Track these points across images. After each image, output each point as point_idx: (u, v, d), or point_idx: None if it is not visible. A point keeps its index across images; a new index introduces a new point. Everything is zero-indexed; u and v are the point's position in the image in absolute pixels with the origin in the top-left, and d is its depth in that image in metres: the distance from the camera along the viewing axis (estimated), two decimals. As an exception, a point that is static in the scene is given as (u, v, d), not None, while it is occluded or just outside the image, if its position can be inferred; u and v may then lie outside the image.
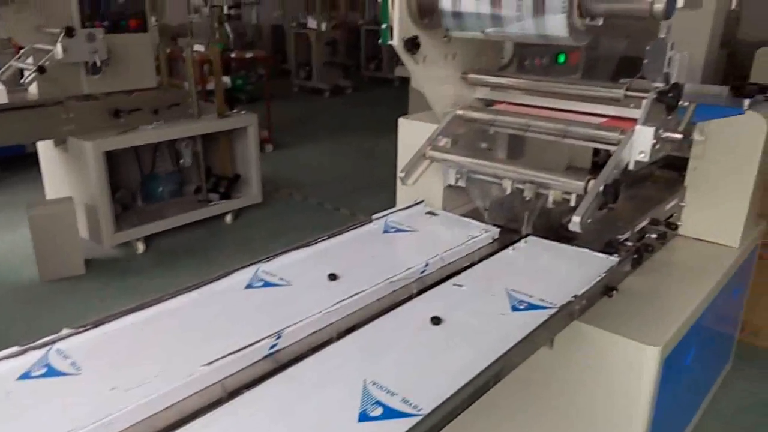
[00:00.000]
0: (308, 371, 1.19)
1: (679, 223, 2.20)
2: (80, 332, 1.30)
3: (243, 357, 1.19)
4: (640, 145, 1.47)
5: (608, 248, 1.79)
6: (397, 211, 2.03)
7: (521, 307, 1.42)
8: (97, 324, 1.33)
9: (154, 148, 4.57)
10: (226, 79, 6.03)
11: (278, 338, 1.25)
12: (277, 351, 1.25)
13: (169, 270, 4.02)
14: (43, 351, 1.24)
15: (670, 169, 2.40)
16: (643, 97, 1.51)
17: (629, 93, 1.57)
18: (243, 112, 4.79)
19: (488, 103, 1.96)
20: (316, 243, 1.76)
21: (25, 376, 1.17)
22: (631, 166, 1.51)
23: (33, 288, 3.76)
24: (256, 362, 1.21)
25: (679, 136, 1.53)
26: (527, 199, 1.75)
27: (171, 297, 1.41)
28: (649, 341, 1.59)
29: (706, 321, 1.97)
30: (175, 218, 4.41)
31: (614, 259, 1.66)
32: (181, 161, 4.62)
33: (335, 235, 1.82)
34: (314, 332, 1.32)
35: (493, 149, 2.06)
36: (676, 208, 2.19)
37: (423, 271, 1.60)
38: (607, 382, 1.68)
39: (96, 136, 3.89)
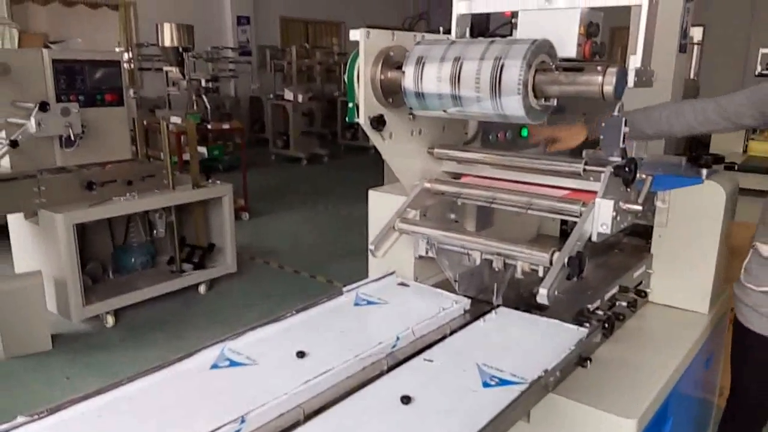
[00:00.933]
0: (272, 458, 1.15)
1: (648, 290, 2.22)
2: (35, 420, 1.24)
3: (204, 444, 1.14)
4: (601, 217, 1.51)
5: (579, 317, 1.79)
6: (369, 282, 2.02)
7: (492, 383, 1.40)
8: (53, 411, 1.27)
9: (127, 219, 4.54)
10: (203, 150, 6.10)
11: (242, 423, 1.21)
12: (241, 436, 1.20)
13: (138, 344, 3.91)
14: (-7, 442, 1.18)
15: (637, 236, 2.45)
16: (602, 171, 1.56)
17: (587, 168, 1.62)
18: (218, 182, 4.82)
19: (455, 176, 2.00)
20: (285, 318, 1.73)
21: (-28, 471, 1.11)
22: (594, 239, 1.54)
23: (-5, 366, 3.62)
24: (218, 449, 1.16)
25: (639, 207, 1.57)
26: (496, 269, 1.76)
27: (131, 380, 1.36)
28: (624, 414, 1.56)
29: (683, 389, 1.96)
30: (146, 290, 4.33)
31: (584, 330, 1.66)
32: (155, 232, 4.59)
33: (305, 309, 1.80)
34: (280, 415, 1.27)
35: (461, 220, 2.08)
36: (645, 275, 2.22)
37: (394, 346, 1.58)
38: (585, 457, 1.64)
39: (67, 208, 3.86)
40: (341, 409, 1.30)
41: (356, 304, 1.89)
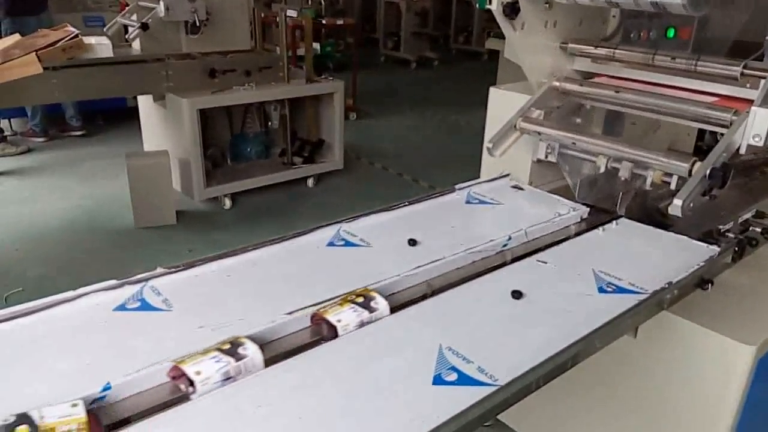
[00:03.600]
0: (386, 331, 1.19)
1: (788, 219, 2.02)
2: (172, 272, 1.37)
3: (323, 310, 1.21)
4: (756, 128, 1.36)
5: (707, 238, 1.68)
6: (481, 182, 1.99)
7: (609, 289, 1.36)
8: (188, 266, 1.39)
9: (244, 109, 4.71)
10: (316, 46, 6.11)
11: (357, 296, 1.26)
12: (356, 309, 1.26)
13: (252, 227, 4.17)
14: (138, 287, 1.32)
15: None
16: (763, 77, 1.38)
17: (747, 71, 1.44)
18: (330, 78, 4.84)
19: (587, 76, 1.86)
20: (398, 208, 1.76)
21: (121, 308, 1.25)
22: (742, 150, 1.40)
23: (128, 234, 4.01)
24: (335, 317, 1.23)
25: (803, 121, 1.39)
26: (622, 179, 1.66)
27: (256, 248, 1.46)
28: (743, 339, 1.48)
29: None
30: (260, 178, 4.55)
31: (714, 248, 1.55)
32: (269, 123, 4.74)
33: (417, 202, 1.82)
34: (393, 293, 1.32)
35: (587, 125, 1.96)
36: (787, 202, 2.02)
37: (505, 245, 1.57)
38: (693, 378, 1.59)
39: (192, 93, 4.05)
40: (452, 295, 1.33)
41: (467, 202, 1.88)
